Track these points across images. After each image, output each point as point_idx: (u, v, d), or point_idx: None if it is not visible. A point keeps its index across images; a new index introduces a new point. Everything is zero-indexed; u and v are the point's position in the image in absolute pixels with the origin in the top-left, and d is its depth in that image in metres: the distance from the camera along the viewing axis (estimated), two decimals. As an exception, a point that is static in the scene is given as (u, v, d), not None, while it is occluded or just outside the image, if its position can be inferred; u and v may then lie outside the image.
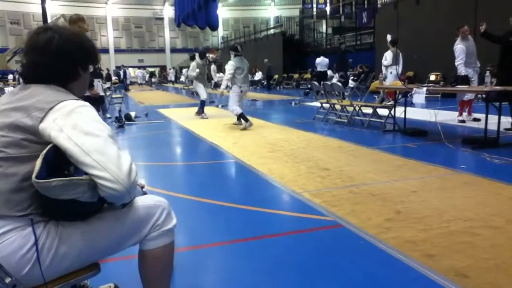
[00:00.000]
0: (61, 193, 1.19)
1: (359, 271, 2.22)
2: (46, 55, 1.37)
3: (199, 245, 2.67)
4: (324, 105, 8.98)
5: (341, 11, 28.05)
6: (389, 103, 8.22)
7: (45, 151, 1.22)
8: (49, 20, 25.71)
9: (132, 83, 31.33)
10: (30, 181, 1.19)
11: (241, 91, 7.76)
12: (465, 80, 6.18)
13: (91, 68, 1.52)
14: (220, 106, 12.92)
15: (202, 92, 9.95)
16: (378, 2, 19.39)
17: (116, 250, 1.47)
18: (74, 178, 1.20)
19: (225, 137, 6.81)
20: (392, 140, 6.30)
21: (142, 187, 1.66)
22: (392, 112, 6.96)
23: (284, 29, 29.19)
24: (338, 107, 8.42)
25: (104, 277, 1.71)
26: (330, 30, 28.55)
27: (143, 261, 1.54)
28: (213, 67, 13.65)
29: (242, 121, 7.70)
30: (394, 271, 2.21)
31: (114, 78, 26.49)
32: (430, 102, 10.40)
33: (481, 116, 6.31)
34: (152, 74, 38.11)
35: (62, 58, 1.39)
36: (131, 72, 32.19)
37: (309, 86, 17.04)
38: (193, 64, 10.05)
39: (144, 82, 36.41)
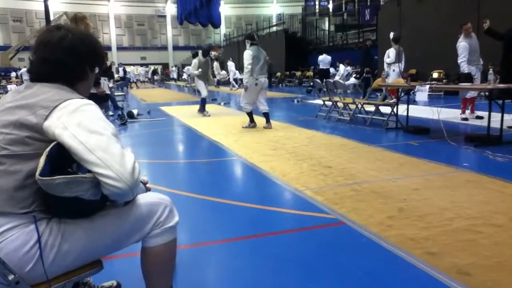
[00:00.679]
0: (64, 191, 1.20)
1: (361, 268, 2.22)
2: (58, 52, 1.39)
3: (201, 242, 2.67)
4: (326, 102, 8.98)
5: (343, 9, 28.02)
6: (392, 101, 8.20)
7: (49, 148, 1.23)
8: (51, 18, 25.71)
9: (135, 81, 31.27)
10: (33, 178, 1.19)
11: (257, 84, 7.12)
12: (468, 77, 6.16)
13: (97, 70, 1.54)
14: (222, 103, 12.93)
15: (203, 90, 9.89)
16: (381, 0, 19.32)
17: (118, 247, 1.48)
18: (77, 176, 1.21)
19: (227, 134, 6.81)
20: (394, 138, 6.29)
21: (145, 183, 1.66)
22: (395, 109, 6.95)
23: (287, 26, 29.11)
24: (340, 104, 8.41)
25: (106, 274, 1.72)
26: (332, 28, 28.47)
27: (145, 258, 1.55)
28: (216, 64, 13.63)
29: (249, 120, 7.39)
30: (396, 268, 2.21)
31: (116, 75, 26.50)
32: (433, 100, 10.37)
33: (484, 114, 6.29)
34: (154, 72, 38.10)
35: (73, 56, 1.41)
36: (134, 70, 32.10)
37: (311, 83, 17.01)
38: (194, 61, 9.96)
39: (146, 79, 36.40)
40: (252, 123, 7.41)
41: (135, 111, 9.74)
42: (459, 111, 7.75)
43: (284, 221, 3.05)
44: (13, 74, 29.58)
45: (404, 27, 14.17)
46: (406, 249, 2.38)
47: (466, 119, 7.47)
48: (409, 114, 6.78)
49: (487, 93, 5.51)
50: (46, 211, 1.28)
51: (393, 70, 10.10)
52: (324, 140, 6.12)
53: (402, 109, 6.84)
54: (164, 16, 44.80)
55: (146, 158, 5.33)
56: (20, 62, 35.41)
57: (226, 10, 43.25)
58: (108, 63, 10.96)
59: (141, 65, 38.88)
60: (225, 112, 10.82)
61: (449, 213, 2.93)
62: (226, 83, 23.59)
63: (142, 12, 44.00)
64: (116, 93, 12.83)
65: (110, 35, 42.54)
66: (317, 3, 30.56)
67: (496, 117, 5.42)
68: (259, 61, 7.07)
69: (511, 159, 4.53)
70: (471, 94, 7.38)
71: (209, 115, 9.56)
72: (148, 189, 1.64)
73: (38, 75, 1.41)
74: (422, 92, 6.02)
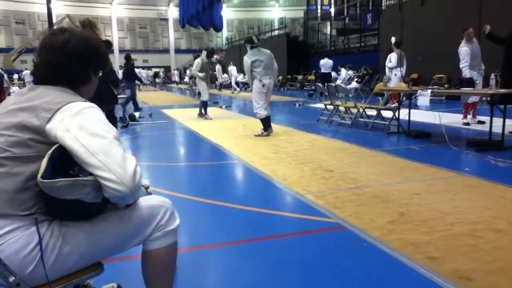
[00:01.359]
0: (66, 193, 1.20)
1: (362, 273, 2.22)
2: (62, 55, 1.39)
3: (202, 245, 2.67)
4: (328, 106, 8.98)
5: (345, 13, 28.07)
6: (393, 105, 8.20)
7: (51, 151, 1.23)
8: (54, 20, 25.80)
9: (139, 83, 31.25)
10: (35, 180, 1.20)
11: (263, 85, 6.75)
12: (470, 82, 6.16)
13: (100, 73, 1.54)
14: (223, 106, 12.93)
15: (204, 93, 9.73)
16: (383, 4, 19.35)
17: (119, 250, 1.48)
18: (79, 179, 1.21)
19: (228, 137, 6.81)
20: (396, 142, 6.29)
21: (147, 187, 1.66)
22: (396, 114, 6.95)
23: (289, 30, 29.18)
24: (342, 108, 8.41)
25: (107, 277, 1.72)
26: (334, 32, 28.53)
27: (146, 261, 1.55)
28: (218, 67, 13.57)
29: (262, 128, 6.86)
30: (397, 273, 2.20)
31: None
32: (435, 104, 10.36)
33: (486, 118, 6.28)
34: (156, 75, 38.16)
35: (77, 60, 1.42)
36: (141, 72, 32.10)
37: (313, 87, 17.02)
38: (197, 61, 9.59)
39: (148, 82, 36.44)
40: (266, 132, 6.86)
41: (137, 114, 9.78)
42: (461, 115, 7.74)
43: (285, 225, 3.05)
44: (15, 76, 29.69)
45: (405, 32, 14.18)
46: (407, 254, 2.37)
47: (467, 124, 7.46)
48: (411, 119, 6.78)
49: (488, 98, 5.49)
50: (47, 213, 1.28)
51: (395, 75, 10.09)
52: (325, 144, 6.11)
53: (403, 114, 6.85)
54: (166, 19, 44.94)
55: (148, 161, 5.34)
56: (22, 64, 35.56)
57: (228, 13, 43.37)
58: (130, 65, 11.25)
59: (143, 68, 38.96)
60: (227, 115, 10.83)
61: (450, 218, 2.92)
62: (228, 86, 23.62)
63: (145, 15, 44.12)
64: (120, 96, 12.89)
65: (112, 38, 42.57)
66: (319, 7, 30.65)
67: (498, 122, 5.41)
68: (262, 63, 6.74)
69: (513, 164, 4.53)
70: (473, 99, 7.37)
71: (211, 119, 9.55)
72: (149, 193, 1.65)
73: (42, 77, 1.42)
74: (424, 97, 6.01)
